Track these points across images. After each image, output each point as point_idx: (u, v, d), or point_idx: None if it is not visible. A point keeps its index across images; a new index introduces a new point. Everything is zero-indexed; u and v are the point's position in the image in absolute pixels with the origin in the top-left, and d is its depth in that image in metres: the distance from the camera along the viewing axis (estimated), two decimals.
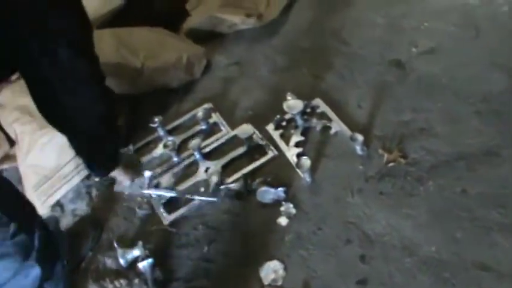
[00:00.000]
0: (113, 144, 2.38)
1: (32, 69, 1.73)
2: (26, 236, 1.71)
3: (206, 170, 2.63)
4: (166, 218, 2.50)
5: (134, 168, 2.65)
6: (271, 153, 2.63)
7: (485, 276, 2.00)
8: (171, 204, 2.57)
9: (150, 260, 2.27)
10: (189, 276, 2.30)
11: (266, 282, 2.18)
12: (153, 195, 2.58)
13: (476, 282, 1.99)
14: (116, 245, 2.37)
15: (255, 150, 2.69)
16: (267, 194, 2.43)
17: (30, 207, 1.97)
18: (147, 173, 2.62)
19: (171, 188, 2.59)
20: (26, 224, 1.76)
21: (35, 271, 1.75)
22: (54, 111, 1.99)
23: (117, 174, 2.54)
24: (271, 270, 2.20)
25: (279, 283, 2.17)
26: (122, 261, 2.35)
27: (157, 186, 2.63)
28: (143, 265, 2.27)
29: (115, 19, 3.26)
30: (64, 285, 2.05)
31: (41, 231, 1.84)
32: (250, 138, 2.66)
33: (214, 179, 2.52)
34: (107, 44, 2.93)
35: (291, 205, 2.38)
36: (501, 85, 2.64)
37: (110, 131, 2.26)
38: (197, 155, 2.68)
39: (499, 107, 2.55)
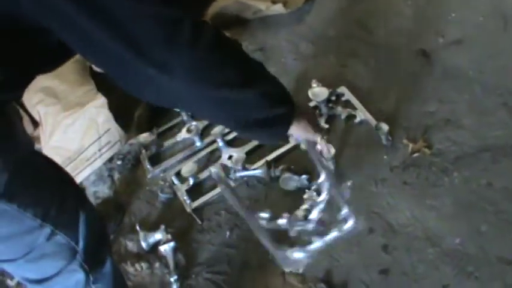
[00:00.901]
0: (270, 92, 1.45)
1: None
2: (65, 236, 1.53)
3: (229, 158, 2.62)
4: (190, 204, 2.50)
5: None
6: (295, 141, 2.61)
7: (510, 271, 2.00)
8: (194, 190, 2.56)
9: (171, 244, 2.28)
10: (211, 261, 2.31)
11: (287, 269, 2.18)
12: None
13: (500, 277, 1.99)
14: (138, 228, 2.38)
15: None
16: (291, 181, 2.42)
17: (73, 194, 1.64)
18: None
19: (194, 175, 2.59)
20: (67, 220, 1.55)
21: (79, 275, 1.68)
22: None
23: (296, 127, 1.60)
24: (293, 258, 2.19)
25: (300, 271, 2.17)
26: (143, 245, 2.36)
27: (178, 173, 2.62)
28: (165, 248, 2.28)
29: None
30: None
31: (87, 224, 1.61)
32: None
33: None
34: None
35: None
36: None
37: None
38: (220, 142, 2.67)
39: None
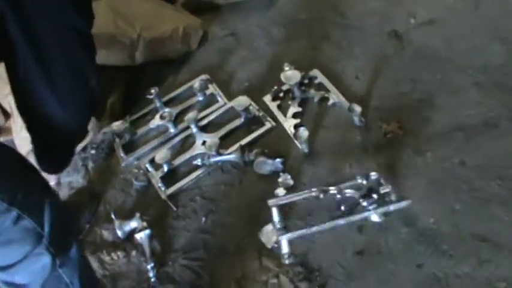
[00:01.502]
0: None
1: None
2: (32, 220, 1.55)
3: (203, 143, 2.61)
4: (165, 191, 2.49)
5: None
6: (268, 125, 2.62)
7: (484, 247, 2.01)
8: (168, 177, 2.56)
9: (147, 231, 2.27)
10: (187, 247, 2.30)
11: (269, 245, 2.19)
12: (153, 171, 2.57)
13: (474, 254, 2.00)
14: (113, 216, 2.36)
15: (252, 121, 2.68)
16: (265, 165, 2.41)
17: (38, 184, 1.70)
18: None
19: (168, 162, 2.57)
20: (33, 206, 1.58)
21: (45, 259, 1.68)
22: None
23: None
24: (273, 232, 2.19)
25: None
26: (119, 233, 2.34)
27: (152, 161, 2.61)
28: (140, 236, 2.27)
29: None
30: (80, 273, 1.93)
31: (53, 211, 1.70)
32: (246, 109, 2.64)
33: None
34: (103, 15, 2.88)
35: (289, 176, 2.37)
36: (501, 57, 2.64)
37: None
38: (194, 128, 2.66)
39: (498, 79, 2.55)
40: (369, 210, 2.08)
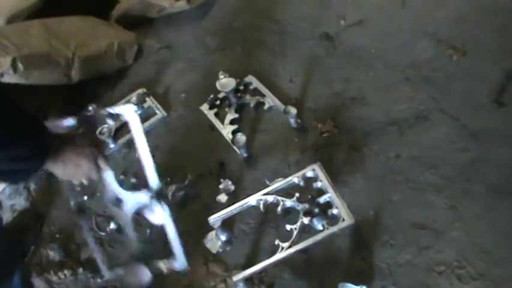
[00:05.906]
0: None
1: None
2: None
3: None
4: None
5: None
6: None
7: (423, 234, 2.08)
8: None
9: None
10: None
11: (214, 250, 2.22)
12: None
13: (414, 241, 2.07)
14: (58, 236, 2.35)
15: None
16: None
17: None
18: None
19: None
20: None
21: None
22: None
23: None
24: (217, 237, 2.22)
25: (228, 248, 2.22)
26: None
27: None
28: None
29: (44, 9, 3.19)
30: None
31: None
32: None
33: None
34: (36, 35, 2.87)
35: (230, 182, 2.40)
36: (428, 52, 2.72)
37: None
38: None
39: (427, 73, 2.63)
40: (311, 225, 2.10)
